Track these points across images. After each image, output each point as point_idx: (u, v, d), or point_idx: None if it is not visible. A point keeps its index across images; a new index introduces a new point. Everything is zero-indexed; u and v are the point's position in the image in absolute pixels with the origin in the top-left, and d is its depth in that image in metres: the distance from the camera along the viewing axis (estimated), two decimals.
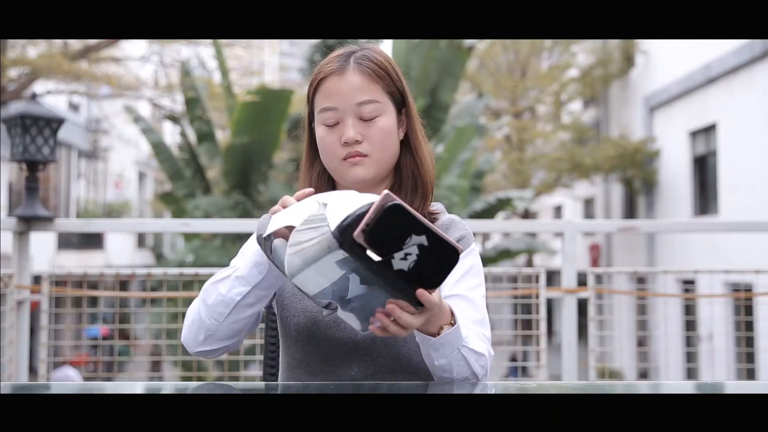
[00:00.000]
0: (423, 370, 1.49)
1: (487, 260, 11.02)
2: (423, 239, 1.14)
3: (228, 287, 1.38)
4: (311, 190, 1.30)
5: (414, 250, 1.14)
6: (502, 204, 11.51)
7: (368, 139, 1.45)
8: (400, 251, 1.14)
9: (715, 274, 3.56)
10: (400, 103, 1.51)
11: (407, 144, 1.53)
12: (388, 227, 1.13)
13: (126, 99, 14.69)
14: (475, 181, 11.85)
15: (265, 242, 1.27)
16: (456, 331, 1.31)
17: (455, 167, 10.53)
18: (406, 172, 1.52)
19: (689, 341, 6.70)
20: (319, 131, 1.48)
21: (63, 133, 14.57)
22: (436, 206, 1.57)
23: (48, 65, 11.04)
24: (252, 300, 1.38)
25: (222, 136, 13.71)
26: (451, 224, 1.54)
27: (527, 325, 3.66)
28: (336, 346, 1.47)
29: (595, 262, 17.53)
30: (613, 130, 16.92)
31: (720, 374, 4.18)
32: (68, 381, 11.68)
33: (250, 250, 1.42)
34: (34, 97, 3.62)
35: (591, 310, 3.44)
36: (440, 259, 1.16)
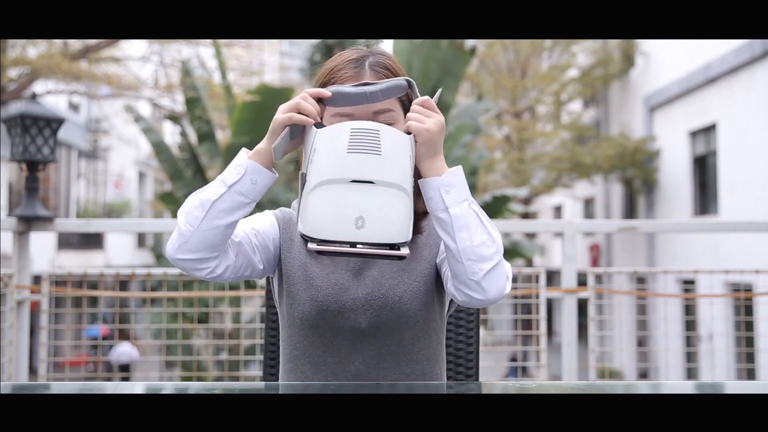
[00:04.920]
0: (426, 357, 1.51)
1: None
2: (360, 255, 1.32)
3: (206, 191, 1.38)
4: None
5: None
6: (498, 202, 11.48)
7: None
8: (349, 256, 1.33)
9: (715, 274, 3.56)
10: (408, 109, 1.52)
11: None
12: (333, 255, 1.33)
13: (126, 99, 14.67)
14: (470, 179, 11.82)
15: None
16: (459, 172, 1.36)
17: (450, 166, 10.54)
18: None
19: (689, 341, 6.70)
20: None
21: (63, 133, 14.57)
22: None
23: (48, 65, 11.02)
24: (227, 204, 1.35)
25: (222, 136, 13.71)
26: None
27: (527, 325, 3.66)
28: (340, 335, 1.48)
29: (595, 262, 17.53)
30: (613, 130, 16.91)
31: (720, 374, 4.18)
32: (125, 355, 12.62)
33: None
34: (34, 97, 3.62)
35: (591, 310, 3.45)
36: (385, 259, 1.33)
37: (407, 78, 1.41)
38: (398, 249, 1.30)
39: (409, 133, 1.35)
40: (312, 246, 1.29)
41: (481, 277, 1.32)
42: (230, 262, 1.42)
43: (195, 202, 1.37)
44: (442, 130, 1.36)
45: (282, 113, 1.36)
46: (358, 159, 1.29)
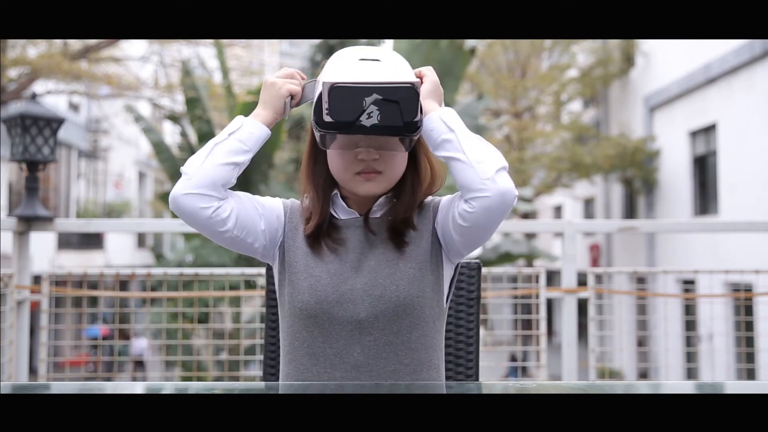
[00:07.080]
0: (424, 346, 1.53)
1: (486, 263, 10.96)
2: (375, 96, 1.39)
3: (209, 142, 1.52)
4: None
5: (373, 108, 1.39)
6: None
7: (384, 158, 1.51)
8: (363, 114, 1.39)
9: (715, 274, 3.56)
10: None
11: (413, 157, 1.58)
12: (341, 105, 1.39)
13: (126, 99, 14.66)
14: None
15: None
16: (454, 112, 1.50)
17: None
18: (408, 185, 1.57)
19: (689, 341, 6.70)
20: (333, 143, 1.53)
21: (63, 133, 14.57)
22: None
23: (48, 65, 11.01)
24: (228, 147, 1.50)
25: None
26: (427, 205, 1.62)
27: (527, 325, 3.66)
28: (339, 326, 1.51)
29: (595, 262, 17.53)
30: (613, 130, 16.90)
31: (720, 374, 4.18)
32: (141, 350, 13.20)
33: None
34: (34, 97, 3.62)
35: (591, 310, 3.45)
36: (402, 99, 1.40)
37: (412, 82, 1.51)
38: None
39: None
40: (329, 80, 1.40)
41: (494, 174, 1.42)
42: (234, 206, 1.51)
43: (198, 151, 1.52)
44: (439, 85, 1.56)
45: (279, 87, 1.54)
46: (366, 63, 1.47)
